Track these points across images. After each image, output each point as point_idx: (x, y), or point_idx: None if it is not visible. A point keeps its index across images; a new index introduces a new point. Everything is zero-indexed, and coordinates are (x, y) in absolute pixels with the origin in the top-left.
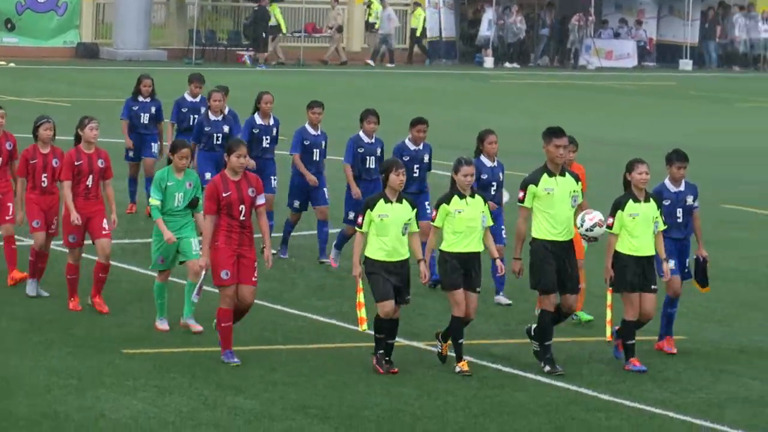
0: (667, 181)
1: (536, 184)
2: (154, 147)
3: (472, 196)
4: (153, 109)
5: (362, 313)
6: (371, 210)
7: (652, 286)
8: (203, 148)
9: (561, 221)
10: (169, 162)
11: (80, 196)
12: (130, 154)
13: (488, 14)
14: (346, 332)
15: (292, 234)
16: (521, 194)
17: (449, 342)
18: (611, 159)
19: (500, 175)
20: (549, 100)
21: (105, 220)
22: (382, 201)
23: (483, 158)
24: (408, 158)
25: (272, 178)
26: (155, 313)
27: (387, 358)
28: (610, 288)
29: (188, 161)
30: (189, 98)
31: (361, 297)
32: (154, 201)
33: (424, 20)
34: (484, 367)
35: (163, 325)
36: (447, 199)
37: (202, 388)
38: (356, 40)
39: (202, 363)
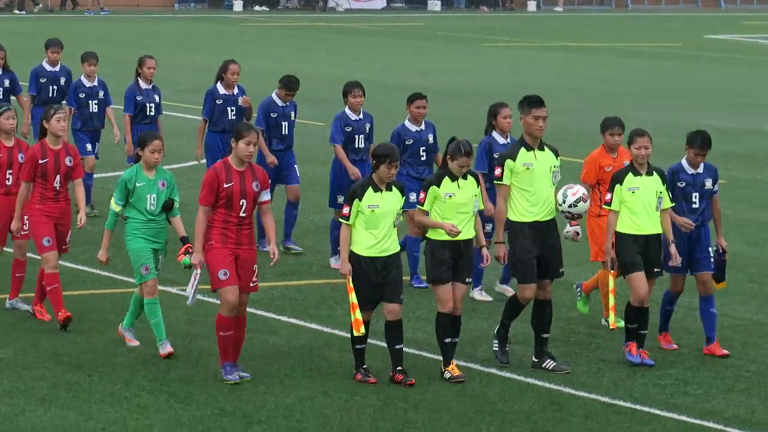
0: (684, 162)
1: (514, 159)
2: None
3: (465, 177)
4: (7, 82)
5: (357, 314)
6: (359, 200)
7: (655, 270)
8: (134, 121)
9: (541, 200)
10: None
11: (49, 200)
12: None
13: None
14: (98, 279)
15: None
16: (498, 171)
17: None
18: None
19: None
20: (298, 43)
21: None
22: (371, 190)
23: (495, 135)
24: (411, 141)
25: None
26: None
27: (400, 367)
28: (613, 271)
29: (161, 155)
30: (48, 67)
31: (353, 297)
32: (116, 206)
33: None
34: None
35: (165, 348)
36: (437, 181)
37: None
38: None
39: None
